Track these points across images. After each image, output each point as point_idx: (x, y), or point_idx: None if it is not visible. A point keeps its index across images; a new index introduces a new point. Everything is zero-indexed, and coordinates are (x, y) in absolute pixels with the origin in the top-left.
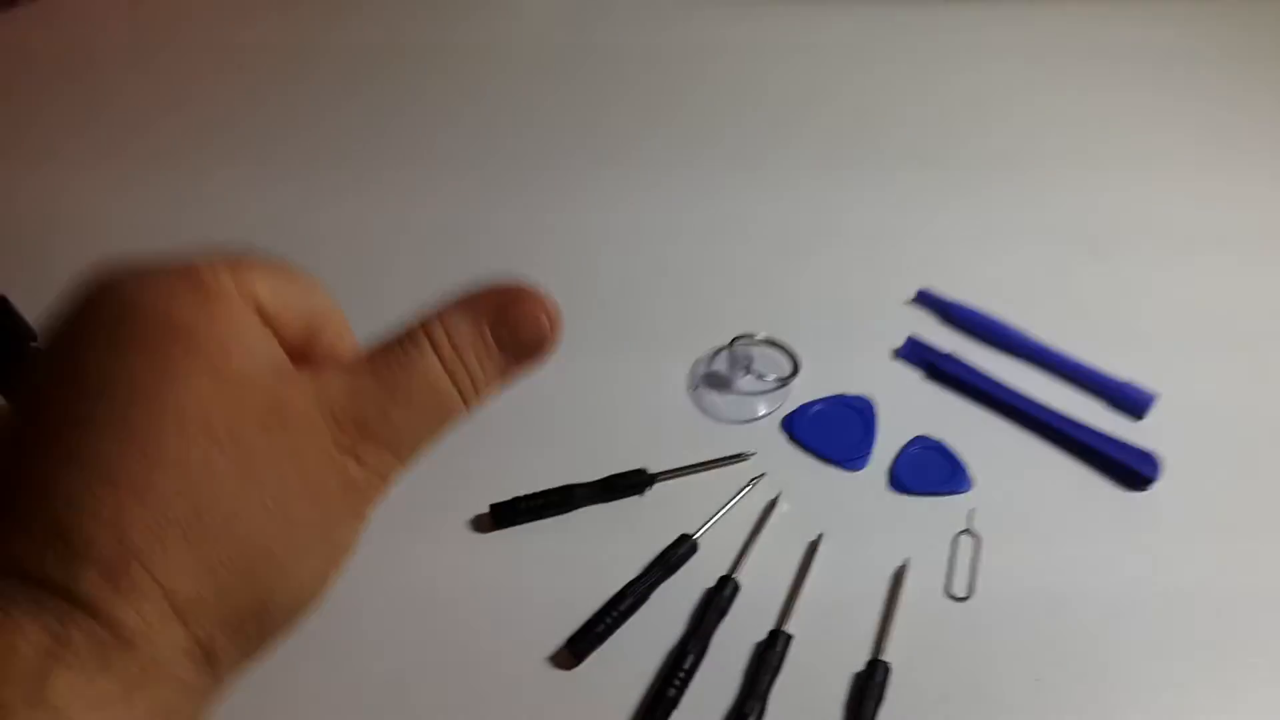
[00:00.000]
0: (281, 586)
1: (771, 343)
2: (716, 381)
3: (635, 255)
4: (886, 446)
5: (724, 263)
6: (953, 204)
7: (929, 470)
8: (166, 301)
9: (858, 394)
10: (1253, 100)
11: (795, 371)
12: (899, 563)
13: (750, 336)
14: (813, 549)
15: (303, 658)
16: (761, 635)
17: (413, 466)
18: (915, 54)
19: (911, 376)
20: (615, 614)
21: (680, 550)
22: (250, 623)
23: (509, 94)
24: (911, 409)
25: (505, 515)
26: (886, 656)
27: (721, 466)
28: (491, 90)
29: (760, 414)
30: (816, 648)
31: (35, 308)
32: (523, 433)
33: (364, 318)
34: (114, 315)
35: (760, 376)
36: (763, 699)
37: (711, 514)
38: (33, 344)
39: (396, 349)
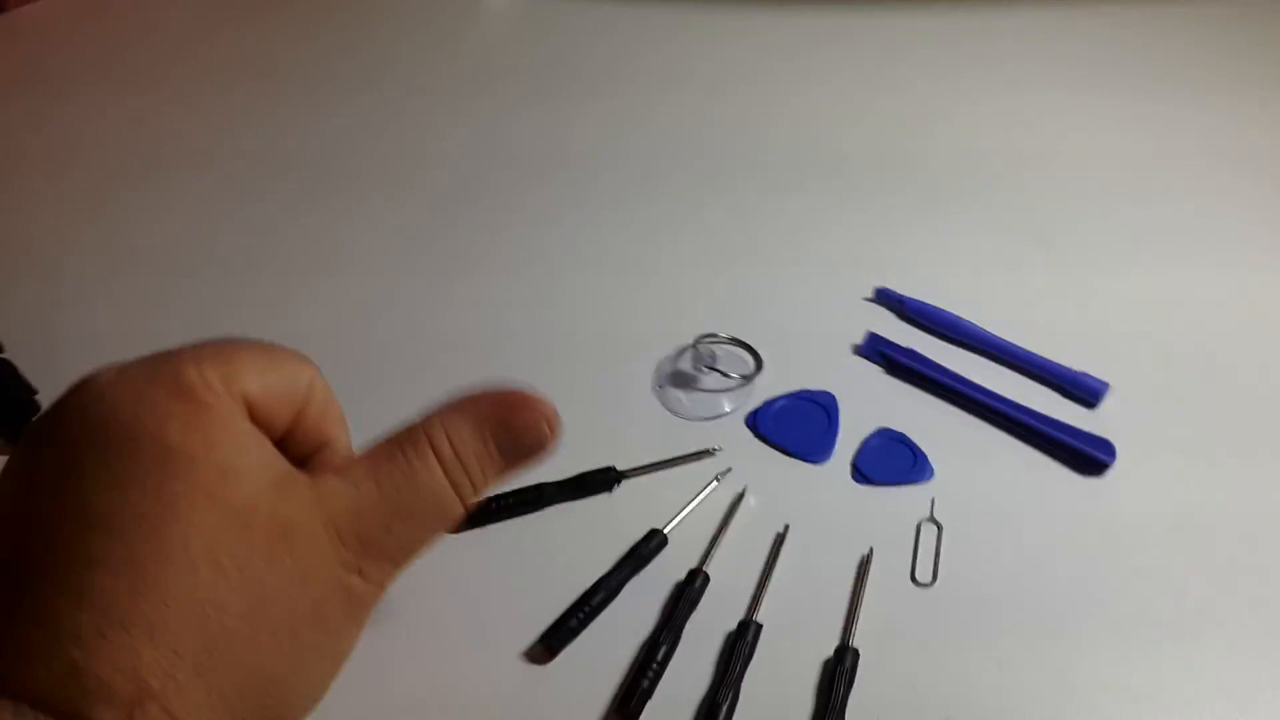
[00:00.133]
0: (290, 703)
1: (735, 341)
2: (681, 380)
3: (598, 258)
4: (849, 439)
5: (686, 264)
6: (909, 204)
7: (891, 461)
8: (161, 423)
9: (820, 389)
10: (1199, 97)
11: (759, 369)
12: (864, 551)
13: (714, 335)
14: (780, 540)
15: None
16: (732, 625)
17: None
18: (871, 58)
19: (872, 371)
20: (588, 608)
21: (650, 545)
22: None
23: (469, 103)
24: (873, 403)
25: (477, 514)
26: (855, 642)
27: (689, 462)
28: (453, 98)
29: (725, 411)
30: (786, 636)
31: None
32: None
33: (341, 325)
34: (107, 441)
35: (724, 374)
36: (735, 687)
37: (680, 509)
38: (34, 396)
39: (399, 455)
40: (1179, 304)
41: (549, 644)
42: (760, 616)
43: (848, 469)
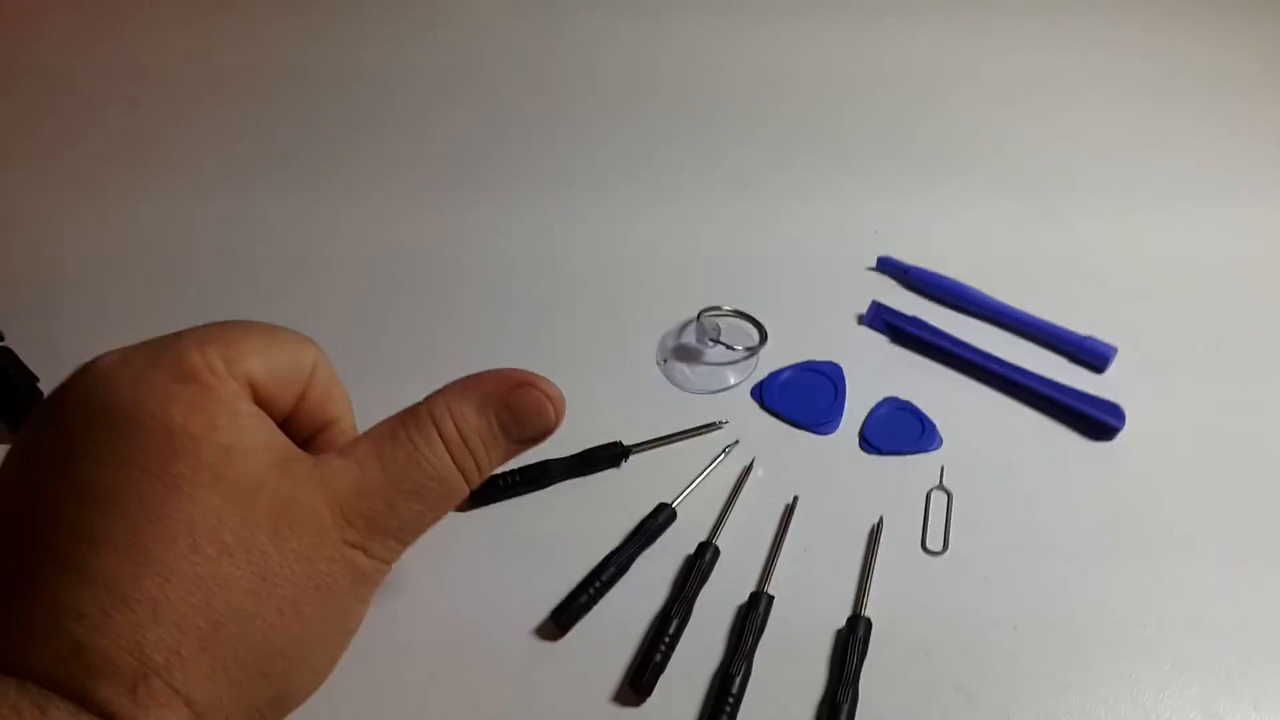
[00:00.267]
0: (296, 678)
1: (739, 313)
2: (686, 353)
3: (600, 233)
4: (856, 409)
5: (688, 237)
6: (911, 172)
7: (899, 430)
8: (164, 406)
9: (825, 360)
10: (1200, 54)
11: (763, 340)
12: (874, 521)
13: (717, 308)
14: (789, 512)
15: None
16: (743, 598)
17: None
18: (870, 25)
19: (878, 340)
20: (598, 584)
21: (659, 519)
22: (268, 712)
23: (470, 85)
24: (879, 372)
25: (485, 492)
26: (867, 612)
27: (696, 436)
28: (454, 82)
29: (731, 383)
30: (798, 607)
31: None
32: None
33: (336, 312)
34: (110, 423)
35: (729, 347)
36: (748, 659)
37: (688, 482)
38: (36, 384)
39: (403, 437)
40: (1186, 265)
41: (560, 620)
42: (771, 588)
43: (855, 438)
